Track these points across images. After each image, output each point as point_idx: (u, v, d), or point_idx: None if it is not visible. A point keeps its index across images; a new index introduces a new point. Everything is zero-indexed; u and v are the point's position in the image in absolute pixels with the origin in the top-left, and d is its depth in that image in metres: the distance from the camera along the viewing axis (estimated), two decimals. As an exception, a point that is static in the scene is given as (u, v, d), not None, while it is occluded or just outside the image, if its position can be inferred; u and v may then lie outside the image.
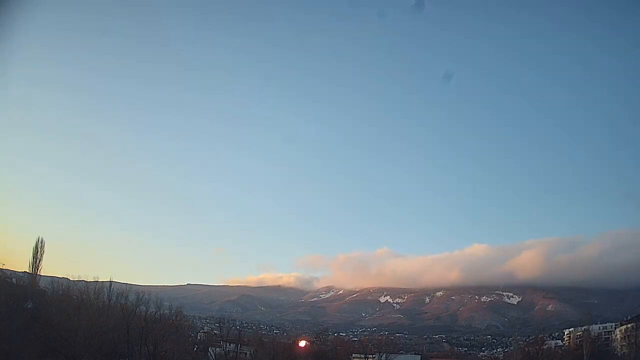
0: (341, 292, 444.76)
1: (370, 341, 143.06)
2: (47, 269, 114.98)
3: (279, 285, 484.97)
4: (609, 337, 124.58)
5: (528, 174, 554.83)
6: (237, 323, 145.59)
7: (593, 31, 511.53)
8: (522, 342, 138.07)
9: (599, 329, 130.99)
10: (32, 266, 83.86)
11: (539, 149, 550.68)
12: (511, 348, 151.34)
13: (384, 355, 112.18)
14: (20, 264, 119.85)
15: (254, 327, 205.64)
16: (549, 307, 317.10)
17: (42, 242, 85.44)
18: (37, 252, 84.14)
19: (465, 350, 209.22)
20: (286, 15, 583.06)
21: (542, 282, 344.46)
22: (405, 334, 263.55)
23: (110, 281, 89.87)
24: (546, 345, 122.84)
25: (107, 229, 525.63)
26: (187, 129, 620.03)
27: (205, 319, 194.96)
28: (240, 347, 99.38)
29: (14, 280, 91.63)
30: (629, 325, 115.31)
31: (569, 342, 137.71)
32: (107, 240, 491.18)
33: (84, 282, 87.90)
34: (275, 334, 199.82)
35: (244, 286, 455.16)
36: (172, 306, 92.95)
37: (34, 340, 56.58)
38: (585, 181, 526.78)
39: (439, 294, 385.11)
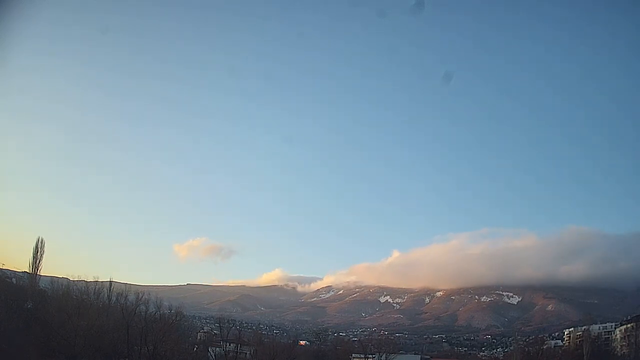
0: (341, 292, 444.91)
1: (370, 341, 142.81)
2: (47, 269, 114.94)
3: (279, 285, 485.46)
4: (609, 337, 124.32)
5: (527, 173, 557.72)
6: (237, 323, 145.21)
7: (590, 34, 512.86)
8: (522, 342, 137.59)
9: (599, 329, 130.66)
10: (32, 266, 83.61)
11: (539, 149, 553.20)
12: (511, 348, 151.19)
13: (384, 355, 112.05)
14: (20, 264, 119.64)
15: (254, 327, 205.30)
16: (549, 307, 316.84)
17: (42, 242, 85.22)
18: (37, 252, 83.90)
19: (465, 350, 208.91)
20: (286, 15, 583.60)
21: (542, 282, 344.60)
22: (405, 334, 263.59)
23: (110, 281, 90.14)
24: (546, 345, 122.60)
25: (107, 229, 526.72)
26: (189, 129, 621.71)
27: (205, 319, 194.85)
28: (240, 347, 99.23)
29: (14, 280, 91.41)
30: (629, 325, 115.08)
31: (569, 342, 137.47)
32: (107, 240, 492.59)
33: (84, 282, 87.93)
34: (275, 334, 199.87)
35: (244, 286, 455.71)
36: (171, 306, 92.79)
37: (34, 340, 56.50)
38: (582, 181, 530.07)
39: (439, 294, 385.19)
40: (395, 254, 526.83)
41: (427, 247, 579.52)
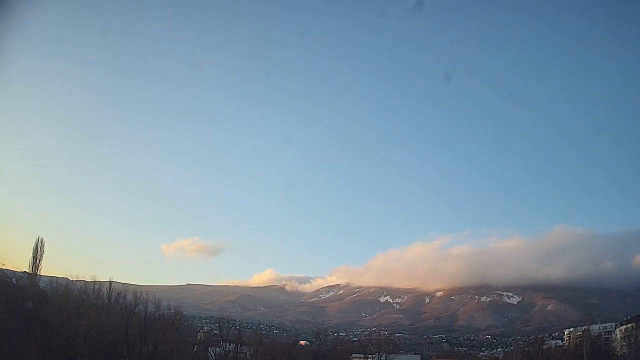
0: (341, 292, 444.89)
1: (370, 341, 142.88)
2: (47, 269, 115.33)
3: (279, 285, 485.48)
4: (609, 337, 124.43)
5: (525, 174, 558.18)
6: (237, 323, 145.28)
7: (588, 34, 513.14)
8: (522, 342, 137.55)
9: (599, 329, 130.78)
10: (32, 266, 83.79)
11: (538, 150, 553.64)
12: (511, 348, 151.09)
13: (384, 355, 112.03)
14: (20, 264, 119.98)
15: (254, 327, 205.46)
16: (549, 307, 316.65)
17: (42, 242, 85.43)
18: (37, 252, 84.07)
19: (465, 350, 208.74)
20: (285, 16, 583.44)
21: (542, 282, 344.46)
22: (405, 334, 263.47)
23: (109, 281, 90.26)
24: (546, 345, 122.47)
25: (107, 229, 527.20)
26: (188, 129, 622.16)
27: (205, 319, 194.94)
28: (240, 347, 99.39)
29: (14, 280, 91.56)
30: (629, 325, 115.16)
31: (569, 342, 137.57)
32: (107, 241, 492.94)
33: (83, 282, 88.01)
34: (275, 334, 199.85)
35: (244, 286, 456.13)
36: (171, 306, 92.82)
37: (34, 340, 56.52)
38: (573, 180, 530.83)
39: (439, 294, 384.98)
40: (384, 254, 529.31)
41: (411, 247, 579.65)
